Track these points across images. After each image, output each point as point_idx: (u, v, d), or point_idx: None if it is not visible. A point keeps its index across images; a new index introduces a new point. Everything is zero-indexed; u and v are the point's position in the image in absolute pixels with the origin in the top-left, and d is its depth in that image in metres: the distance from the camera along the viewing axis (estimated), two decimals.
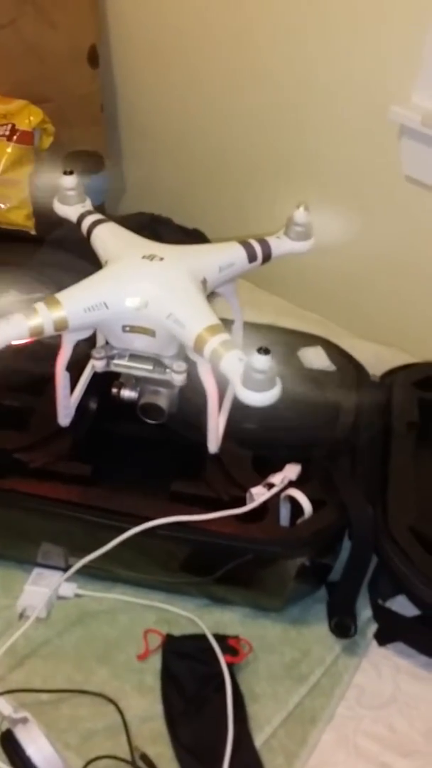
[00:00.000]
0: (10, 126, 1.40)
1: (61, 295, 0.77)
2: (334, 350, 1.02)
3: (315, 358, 1.00)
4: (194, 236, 1.39)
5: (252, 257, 0.86)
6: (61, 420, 0.88)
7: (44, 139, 1.45)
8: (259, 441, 0.89)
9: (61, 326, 0.77)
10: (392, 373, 1.02)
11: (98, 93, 1.54)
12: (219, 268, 0.84)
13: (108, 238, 0.86)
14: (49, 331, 0.76)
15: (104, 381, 0.87)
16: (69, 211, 0.91)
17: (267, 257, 0.87)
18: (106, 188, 1.54)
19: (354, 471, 0.87)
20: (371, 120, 1.14)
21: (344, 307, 1.36)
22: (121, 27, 1.49)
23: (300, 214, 0.87)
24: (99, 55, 1.50)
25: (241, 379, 0.71)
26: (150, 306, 0.77)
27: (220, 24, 1.29)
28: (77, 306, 0.77)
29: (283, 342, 1.00)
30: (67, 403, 0.86)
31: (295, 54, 1.20)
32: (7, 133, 1.40)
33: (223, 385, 0.82)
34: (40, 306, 0.76)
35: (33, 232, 1.44)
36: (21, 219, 1.43)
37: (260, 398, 0.70)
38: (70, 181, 0.90)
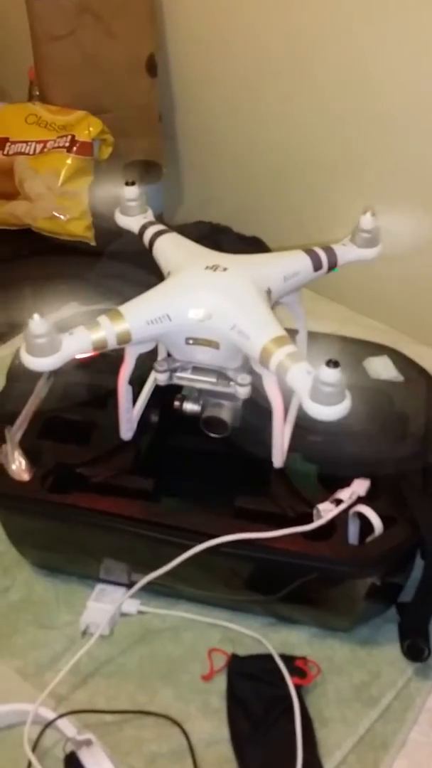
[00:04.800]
0: (69, 137, 1.41)
1: (124, 308, 0.76)
2: (401, 360, 0.98)
3: (382, 368, 0.96)
4: (254, 244, 1.38)
5: (317, 266, 0.84)
6: (124, 434, 0.86)
7: (103, 149, 1.45)
8: (325, 455, 0.86)
9: (124, 339, 0.75)
10: None
11: (156, 103, 1.54)
12: (284, 278, 0.82)
13: (170, 249, 0.84)
14: (112, 344, 0.75)
15: (166, 393, 0.85)
16: (131, 221, 0.90)
17: (333, 265, 0.85)
18: (163, 198, 1.54)
19: (425, 486, 0.84)
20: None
21: (407, 314, 1.33)
22: (179, 36, 1.48)
23: (366, 220, 0.84)
24: (157, 65, 1.49)
25: (309, 392, 0.68)
26: (214, 317, 0.76)
27: (279, 35, 1.27)
28: (140, 318, 0.76)
29: (349, 352, 0.97)
30: (129, 417, 0.85)
31: (353, 55, 1.17)
32: (67, 144, 1.40)
33: (288, 397, 0.79)
34: (103, 319, 0.75)
35: (93, 243, 1.44)
36: (81, 230, 1.43)
37: (329, 412, 0.68)
38: (132, 191, 0.89)
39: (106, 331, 0.74)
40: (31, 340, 0.70)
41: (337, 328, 1.27)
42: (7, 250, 1.45)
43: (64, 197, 1.41)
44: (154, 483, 0.85)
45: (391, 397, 0.92)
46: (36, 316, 0.70)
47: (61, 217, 1.42)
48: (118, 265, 1.35)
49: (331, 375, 0.66)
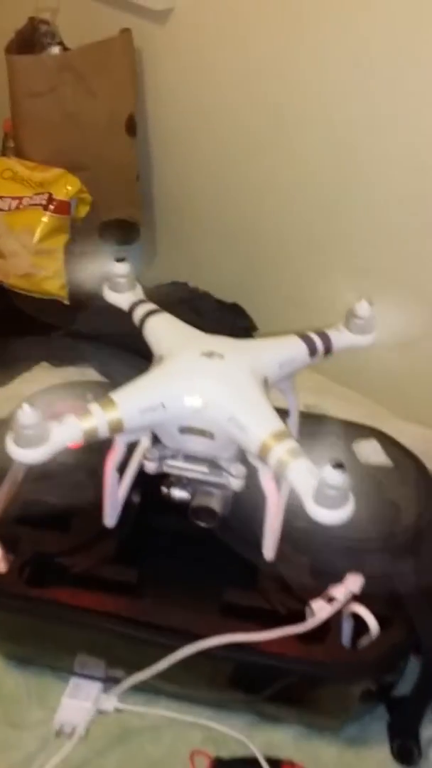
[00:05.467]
0: (47, 195, 1.38)
1: (116, 395, 0.73)
2: (389, 443, 0.96)
3: (371, 452, 0.94)
4: (233, 311, 1.36)
5: (312, 352, 0.82)
6: (108, 521, 0.82)
7: (80, 208, 1.42)
8: (314, 544, 0.83)
9: (117, 428, 0.72)
10: None
11: (135, 162, 1.52)
12: (279, 365, 0.80)
13: (163, 331, 0.81)
14: (103, 433, 0.71)
15: (148, 475, 0.81)
16: (120, 298, 0.87)
17: (327, 351, 0.83)
18: (139, 259, 1.52)
19: (419, 580, 0.81)
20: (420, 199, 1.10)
21: (386, 386, 1.31)
22: (159, 98, 1.47)
23: (363, 308, 0.83)
24: (136, 124, 1.48)
25: (313, 494, 0.65)
26: (210, 407, 0.73)
27: (262, 107, 1.27)
28: (133, 407, 0.72)
29: (337, 434, 0.95)
30: (115, 504, 0.81)
31: (340, 130, 1.17)
32: (44, 202, 1.37)
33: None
34: (95, 407, 0.71)
35: (66, 302, 1.41)
36: (55, 288, 1.40)
37: (333, 516, 0.65)
38: (121, 268, 0.86)
39: (97, 419, 0.71)
40: (20, 430, 0.66)
41: (312, 397, 1.26)
42: None
43: (38, 255, 1.38)
44: (137, 574, 0.81)
45: (382, 484, 0.90)
46: (25, 406, 0.66)
47: (36, 274, 1.38)
48: (93, 323, 1.32)
49: (337, 477, 0.64)
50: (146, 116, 1.51)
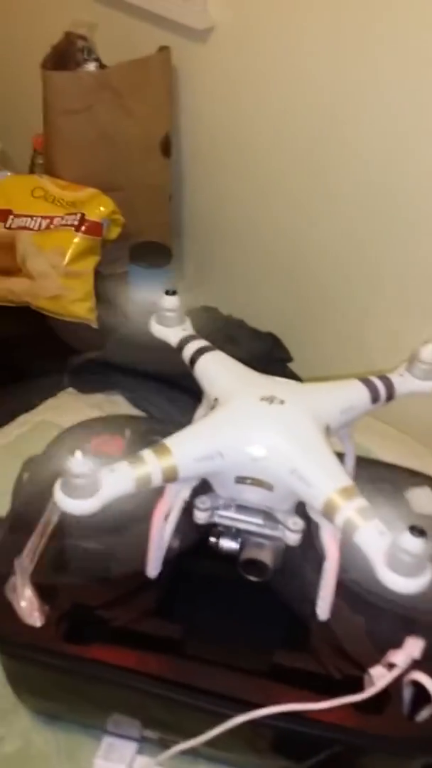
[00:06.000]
0: (79, 215, 1.33)
1: (171, 442, 0.68)
2: None
3: (425, 500, 0.89)
4: (269, 341, 1.31)
5: (375, 398, 0.77)
6: (150, 572, 0.77)
7: (112, 229, 1.38)
8: (371, 604, 0.77)
9: (171, 476, 0.67)
10: None
11: (168, 183, 1.48)
12: (341, 411, 0.75)
13: (217, 372, 0.76)
14: (156, 481, 0.66)
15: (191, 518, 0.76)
16: (168, 333, 0.82)
17: (390, 397, 0.78)
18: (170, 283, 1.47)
19: None
20: None
21: (426, 422, 1.26)
22: (195, 118, 1.43)
23: (428, 352, 0.78)
24: (171, 145, 1.44)
25: (386, 559, 0.60)
26: (271, 458, 0.68)
27: (304, 123, 1.23)
28: (189, 454, 0.67)
29: (389, 480, 0.90)
30: (159, 555, 0.76)
31: (394, 145, 1.12)
32: (76, 222, 1.33)
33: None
34: (148, 454, 0.66)
35: (95, 326, 1.36)
36: (84, 312, 1.35)
37: (408, 585, 0.60)
38: (171, 301, 0.81)
39: (151, 467, 0.66)
40: (71, 480, 0.61)
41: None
42: (3, 328, 1.35)
43: (68, 277, 1.33)
44: (181, 629, 0.75)
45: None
46: (78, 454, 0.61)
47: (65, 296, 1.33)
48: (123, 350, 1.27)
49: (416, 545, 0.58)
50: (181, 137, 1.47)
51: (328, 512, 0.65)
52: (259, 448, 0.67)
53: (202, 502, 0.72)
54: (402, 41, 1.03)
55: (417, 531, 0.59)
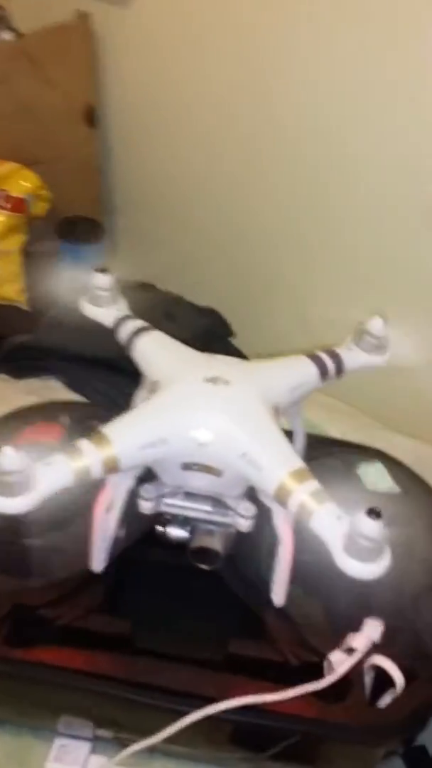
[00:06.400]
0: (1, 193, 1.26)
1: (110, 430, 0.63)
2: (395, 467, 0.89)
3: (377, 477, 0.87)
4: (210, 316, 1.27)
5: (324, 373, 0.74)
6: (96, 566, 0.73)
7: (38, 205, 1.31)
8: (327, 586, 0.75)
9: (112, 467, 0.63)
10: None
11: (95, 155, 1.41)
12: (290, 390, 0.71)
13: (156, 353, 0.72)
14: (97, 474, 0.62)
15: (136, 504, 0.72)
16: (102, 313, 0.77)
17: (339, 372, 0.75)
18: (102, 259, 1.41)
19: None
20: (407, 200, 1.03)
21: (375, 396, 1.24)
22: (121, 87, 1.37)
23: (377, 325, 0.75)
24: (96, 115, 1.38)
25: (343, 544, 0.57)
26: (220, 442, 0.64)
27: (233, 87, 1.17)
28: (130, 443, 0.63)
29: (340, 457, 0.87)
30: (104, 548, 0.72)
31: (326, 123, 1.09)
32: None
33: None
34: (86, 444, 0.62)
35: (25, 308, 1.30)
36: (13, 293, 1.29)
37: (368, 570, 0.57)
38: (103, 280, 0.76)
39: (90, 459, 0.62)
40: (2, 478, 0.56)
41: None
42: None
43: None
44: (130, 625, 0.72)
45: (394, 516, 0.82)
46: (7, 449, 0.56)
47: None
48: (57, 333, 1.21)
49: (374, 528, 0.56)
50: (107, 107, 1.40)
51: (281, 497, 0.62)
52: (206, 433, 0.64)
53: (147, 491, 0.68)
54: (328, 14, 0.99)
55: (374, 513, 0.56)
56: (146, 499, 0.68)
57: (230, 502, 0.69)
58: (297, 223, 1.18)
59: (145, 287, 1.36)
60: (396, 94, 0.97)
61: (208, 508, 0.69)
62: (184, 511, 0.70)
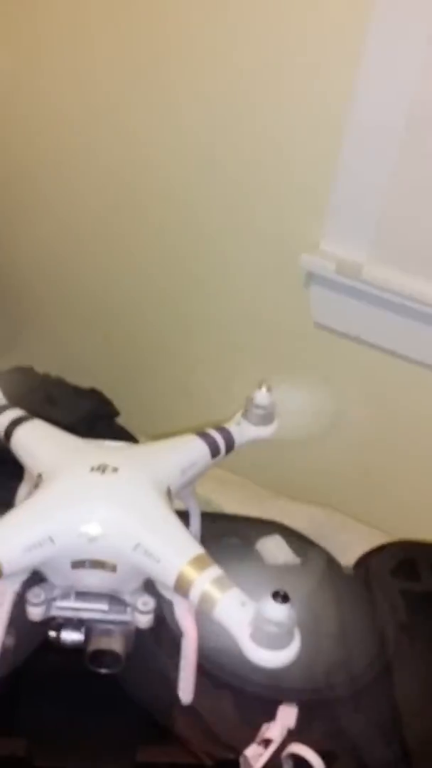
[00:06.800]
0: None
1: None
2: (291, 537, 0.87)
3: (277, 550, 0.85)
4: (91, 396, 1.22)
5: (215, 451, 0.71)
6: None
7: None
8: (234, 674, 0.71)
9: None
10: (363, 560, 0.88)
11: None
12: (181, 471, 0.68)
13: (38, 444, 0.68)
14: None
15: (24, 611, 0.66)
16: None
17: (230, 448, 0.73)
18: None
19: (359, 708, 0.71)
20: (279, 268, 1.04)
21: (263, 464, 1.23)
22: None
23: (262, 396, 0.74)
24: None
25: (251, 632, 0.54)
26: (110, 535, 0.60)
27: (90, 159, 1.14)
28: (13, 546, 0.58)
29: (238, 533, 0.85)
30: None
31: (187, 194, 1.08)
32: None
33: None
34: None
35: None
36: None
37: (277, 658, 0.54)
38: None
39: None
40: None
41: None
42: None
43: None
44: (26, 743, 0.65)
45: (296, 590, 0.79)
46: None
47: None
48: None
49: (281, 612, 0.53)
50: None
51: (181, 588, 0.58)
52: (95, 526, 0.60)
53: (36, 595, 0.63)
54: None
55: (280, 597, 0.53)
56: (35, 605, 0.63)
57: (127, 597, 0.64)
58: (171, 295, 1.17)
59: (23, 371, 1.30)
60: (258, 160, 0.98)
61: (103, 607, 0.65)
62: (78, 613, 0.65)
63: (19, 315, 1.39)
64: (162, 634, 0.67)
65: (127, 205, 1.13)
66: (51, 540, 0.59)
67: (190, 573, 0.57)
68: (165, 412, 1.25)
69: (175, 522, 0.61)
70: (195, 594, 0.57)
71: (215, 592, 0.56)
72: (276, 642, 0.54)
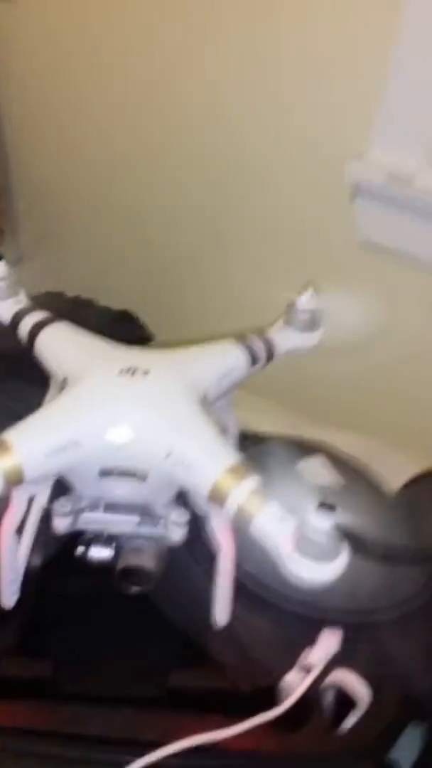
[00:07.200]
0: None
1: (12, 435, 0.53)
2: (335, 459, 0.82)
3: (320, 470, 0.79)
4: (125, 320, 1.17)
5: (254, 358, 0.65)
6: (6, 601, 0.62)
7: None
8: (272, 591, 0.66)
9: (15, 479, 0.53)
10: (409, 485, 0.82)
11: None
12: (218, 378, 0.63)
13: (63, 346, 0.63)
14: None
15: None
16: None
17: (270, 356, 0.67)
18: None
19: (406, 633, 0.66)
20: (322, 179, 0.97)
21: (299, 390, 1.16)
22: (13, 80, 1.26)
23: (307, 299, 0.68)
24: None
25: (294, 545, 0.49)
26: (141, 441, 0.55)
27: (129, 80, 1.09)
28: (36, 449, 0.53)
29: (278, 454, 0.79)
30: (15, 579, 0.61)
31: (229, 107, 1.01)
32: None
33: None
34: None
35: None
36: None
37: (324, 572, 0.49)
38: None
39: None
40: None
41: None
42: None
43: None
44: (52, 665, 0.61)
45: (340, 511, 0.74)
46: None
47: None
48: None
49: (327, 520, 0.48)
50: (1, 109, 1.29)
51: (217, 498, 0.53)
52: (124, 431, 0.54)
53: (62, 505, 0.58)
54: None
55: (327, 507, 0.48)
56: (61, 515, 0.58)
57: (159, 509, 0.59)
58: (208, 208, 1.11)
59: (52, 295, 1.25)
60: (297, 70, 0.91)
61: (134, 519, 0.60)
62: (107, 526, 0.60)
63: (53, 237, 1.34)
64: (197, 551, 0.62)
65: (164, 112, 1.07)
66: (76, 444, 0.54)
67: (227, 483, 0.52)
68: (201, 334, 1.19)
69: (211, 429, 0.56)
70: (231, 506, 0.52)
71: (253, 504, 0.51)
72: (321, 554, 0.49)
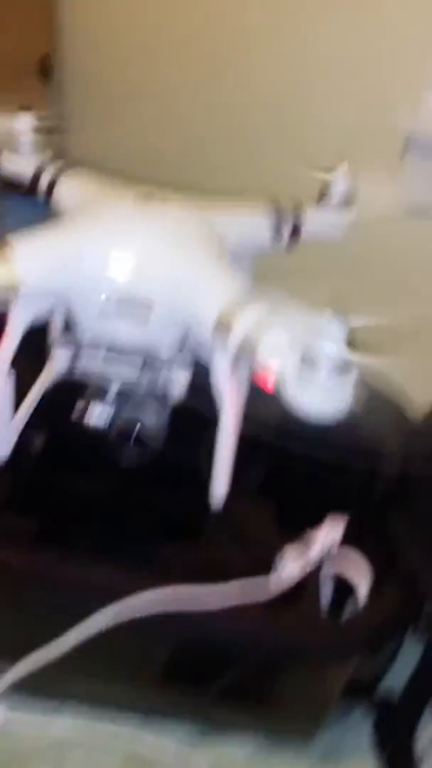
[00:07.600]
0: None
1: (15, 242, 0.51)
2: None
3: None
4: None
5: (277, 227, 0.62)
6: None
7: None
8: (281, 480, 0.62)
9: (10, 288, 0.50)
10: None
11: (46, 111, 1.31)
12: (238, 234, 0.59)
13: (84, 186, 0.60)
14: None
15: (54, 408, 0.59)
16: (22, 165, 0.65)
17: (295, 231, 0.63)
18: None
19: (414, 527, 0.61)
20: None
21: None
22: (80, 38, 1.27)
23: (340, 177, 0.64)
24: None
25: (298, 374, 0.45)
26: (147, 265, 0.52)
27: (200, 39, 1.07)
28: (37, 259, 0.51)
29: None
30: (7, 422, 0.58)
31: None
32: None
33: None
34: None
35: None
36: None
37: (330, 406, 0.45)
38: (26, 122, 0.65)
39: None
40: None
41: None
42: None
43: None
44: (38, 522, 0.58)
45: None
46: None
47: None
48: None
49: (340, 332, 0.44)
50: (65, 59, 1.30)
51: (222, 329, 0.49)
52: (130, 252, 0.51)
53: (65, 337, 0.56)
54: None
55: (335, 320, 0.44)
56: (62, 345, 0.55)
57: (163, 353, 0.56)
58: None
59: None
60: None
61: (136, 363, 0.56)
62: (108, 373, 0.57)
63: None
64: (200, 427, 0.58)
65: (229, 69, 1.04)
66: (80, 260, 0.51)
67: (232, 309, 0.49)
68: None
69: (222, 259, 0.53)
70: (237, 333, 0.48)
71: (259, 331, 0.48)
72: (330, 379, 0.45)
